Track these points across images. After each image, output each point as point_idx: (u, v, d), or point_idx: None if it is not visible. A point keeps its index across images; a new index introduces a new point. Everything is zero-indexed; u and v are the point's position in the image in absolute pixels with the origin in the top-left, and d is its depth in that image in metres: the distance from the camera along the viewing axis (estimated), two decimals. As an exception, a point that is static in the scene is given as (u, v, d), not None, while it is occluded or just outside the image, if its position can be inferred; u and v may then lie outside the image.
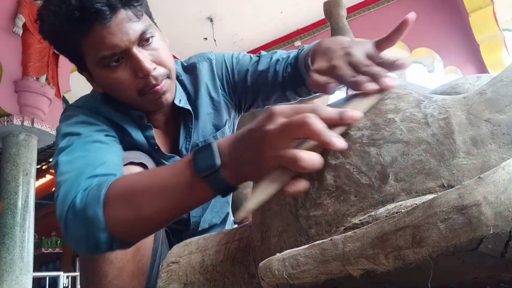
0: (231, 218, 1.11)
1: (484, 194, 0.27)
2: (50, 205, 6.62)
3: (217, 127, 0.92)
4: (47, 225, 6.89)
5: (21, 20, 3.69)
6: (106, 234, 0.55)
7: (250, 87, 0.91)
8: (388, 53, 0.55)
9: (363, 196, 0.40)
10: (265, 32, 5.50)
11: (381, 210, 0.38)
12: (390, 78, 0.47)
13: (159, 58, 0.75)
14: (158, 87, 0.75)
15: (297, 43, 5.57)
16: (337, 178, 0.41)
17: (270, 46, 5.68)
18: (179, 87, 0.87)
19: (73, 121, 0.77)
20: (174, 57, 0.92)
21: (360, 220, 0.39)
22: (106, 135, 0.76)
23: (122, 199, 0.56)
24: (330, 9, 3.03)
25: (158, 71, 0.75)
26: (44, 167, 6.50)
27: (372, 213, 0.38)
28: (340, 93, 0.61)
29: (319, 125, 0.40)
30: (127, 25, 0.71)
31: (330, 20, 3.04)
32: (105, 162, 0.66)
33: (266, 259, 0.38)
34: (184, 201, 0.53)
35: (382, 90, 0.47)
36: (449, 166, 0.38)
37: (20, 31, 3.72)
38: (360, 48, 0.55)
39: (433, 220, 0.29)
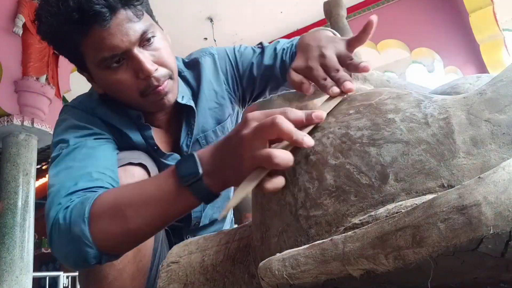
0: (231, 214, 1.11)
1: (484, 194, 0.27)
2: (50, 205, 6.60)
3: (219, 121, 0.91)
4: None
5: (21, 20, 3.69)
6: (93, 249, 0.56)
7: (258, 79, 0.91)
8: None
9: (363, 196, 0.40)
10: (265, 32, 5.49)
11: (381, 210, 0.38)
12: (350, 83, 0.54)
13: (161, 58, 0.74)
14: (160, 88, 0.74)
15: (297, 43, 5.56)
16: (337, 178, 0.41)
17: (270, 46, 5.67)
18: (181, 83, 0.87)
19: (63, 126, 0.77)
20: (174, 56, 0.92)
21: (360, 220, 0.39)
22: (96, 139, 0.75)
23: (107, 214, 0.56)
24: (330, 9, 3.03)
25: (160, 72, 0.74)
26: (44, 167, 6.50)
27: (372, 213, 0.38)
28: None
29: (287, 125, 0.44)
30: (127, 26, 0.70)
31: (330, 20, 3.04)
32: (89, 172, 0.66)
33: (266, 259, 0.38)
34: (169, 210, 0.55)
35: (343, 93, 0.53)
36: (449, 166, 0.38)
37: (20, 31, 3.71)
38: (333, 49, 0.62)
39: (433, 220, 0.29)
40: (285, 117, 0.46)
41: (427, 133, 0.40)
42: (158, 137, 0.86)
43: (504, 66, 2.61)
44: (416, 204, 0.32)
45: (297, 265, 0.35)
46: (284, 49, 0.88)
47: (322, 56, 0.61)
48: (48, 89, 3.81)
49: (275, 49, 0.90)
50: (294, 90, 0.95)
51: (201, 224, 0.96)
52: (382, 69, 5.61)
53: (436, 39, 4.68)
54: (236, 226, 0.98)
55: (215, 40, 5.21)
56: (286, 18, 5.28)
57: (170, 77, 0.77)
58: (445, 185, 0.38)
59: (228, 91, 0.92)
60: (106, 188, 0.64)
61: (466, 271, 0.29)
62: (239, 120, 0.99)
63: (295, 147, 0.46)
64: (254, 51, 0.93)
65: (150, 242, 0.75)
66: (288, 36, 5.82)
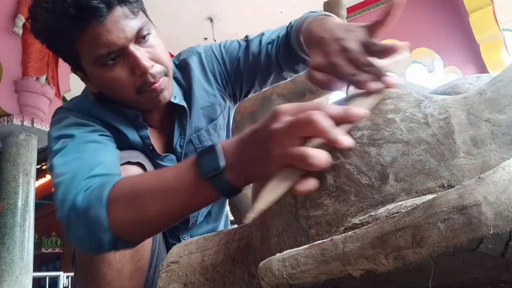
0: (226, 211, 1.10)
1: (484, 194, 0.27)
2: (50, 205, 6.62)
3: (211, 120, 0.91)
4: (47, 225, 6.89)
5: (21, 20, 3.69)
6: (109, 235, 0.55)
7: (245, 74, 0.90)
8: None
9: (363, 196, 0.40)
10: (265, 32, 5.50)
11: (381, 210, 0.38)
12: (392, 77, 0.48)
13: (157, 55, 0.74)
14: (156, 84, 0.74)
15: (297, 43, 5.56)
16: (337, 178, 0.41)
17: (270, 46, 5.67)
18: (174, 84, 0.86)
19: (65, 123, 0.76)
20: (172, 55, 0.92)
21: (360, 220, 0.39)
22: (101, 135, 0.75)
23: (126, 200, 0.55)
24: (330, 9, 3.03)
25: (156, 68, 0.73)
26: (44, 167, 6.50)
27: (372, 213, 0.38)
28: (340, 93, 0.61)
29: (325, 123, 0.40)
30: (124, 22, 0.69)
31: (330, 20, 3.03)
32: (102, 162, 0.66)
33: (266, 259, 0.38)
34: (188, 202, 0.53)
35: (384, 89, 0.47)
36: (449, 166, 0.38)
37: (20, 31, 3.71)
38: (354, 39, 0.54)
39: (433, 220, 0.29)
40: (322, 112, 0.41)
41: (427, 133, 0.40)
42: (152, 137, 0.85)
43: (504, 66, 2.61)
44: (416, 204, 0.32)
45: (297, 265, 0.35)
46: (269, 42, 0.88)
47: (344, 49, 0.53)
48: (48, 89, 3.81)
49: (260, 41, 0.89)
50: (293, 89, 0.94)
51: (197, 222, 0.96)
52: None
53: (436, 39, 4.68)
54: (235, 226, 0.98)
55: (215, 40, 5.21)
56: (286, 18, 5.26)
57: (166, 74, 0.76)
58: (445, 185, 0.38)
59: (218, 88, 0.92)
60: (120, 175, 0.64)
61: (466, 271, 0.29)
62: (231, 116, 0.99)
63: (331, 146, 0.41)
64: (240, 45, 0.92)
65: (148, 242, 0.75)
66: (288, 36, 5.82)
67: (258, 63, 0.88)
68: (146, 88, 0.74)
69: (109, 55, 0.70)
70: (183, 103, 0.85)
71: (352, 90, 0.62)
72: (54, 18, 0.67)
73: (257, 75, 0.90)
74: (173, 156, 0.87)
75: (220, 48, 0.93)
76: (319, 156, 0.40)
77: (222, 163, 0.48)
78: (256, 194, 0.52)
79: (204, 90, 0.90)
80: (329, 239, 0.34)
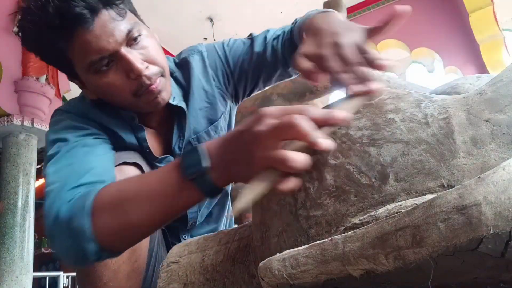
0: (228, 212, 1.09)
1: (484, 194, 0.27)
2: (50, 205, 6.59)
3: (211, 121, 0.89)
4: (47, 225, 6.86)
5: (21, 20, 3.68)
6: (94, 244, 0.55)
7: (250, 71, 0.89)
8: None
9: (363, 196, 0.40)
10: (265, 32, 5.50)
11: (381, 210, 0.38)
12: (377, 83, 0.47)
13: (150, 56, 0.73)
14: (153, 86, 0.72)
15: (297, 43, 5.56)
16: (337, 178, 0.41)
17: (270, 46, 5.67)
18: (173, 84, 0.85)
19: (60, 126, 0.76)
20: (171, 54, 0.91)
21: (360, 220, 0.39)
22: (95, 138, 0.74)
23: (110, 207, 0.55)
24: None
25: (151, 70, 0.72)
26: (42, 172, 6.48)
27: (372, 213, 0.38)
28: (340, 93, 0.61)
29: (306, 126, 0.41)
30: (112, 26, 0.68)
31: (330, 20, 3.03)
32: (91, 168, 0.65)
33: (266, 259, 0.38)
34: (173, 205, 0.53)
35: (368, 93, 0.46)
36: (449, 166, 0.38)
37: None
38: (351, 37, 0.53)
39: (433, 220, 0.29)
40: (304, 116, 0.42)
41: (427, 133, 0.40)
42: (151, 139, 0.84)
43: (504, 66, 2.61)
44: (416, 204, 0.32)
45: (297, 265, 0.35)
46: (274, 38, 0.86)
47: (338, 45, 0.52)
48: (48, 89, 3.81)
49: (265, 38, 0.88)
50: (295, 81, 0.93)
51: (197, 223, 0.96)
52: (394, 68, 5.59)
53: (436, 39, 4.68)
54: (235, 226, 0.98)
55: (215, 40, 5.21)
56: (286, 18, 5.27)
57: (162, 75, 0.75)
58: (445, 185, 0.38)
59: (219, 88, 0.90)
60: (108, 183, 0.63)
61: (466, 271, 0.29)
62: (233, 117, 0.98)
63: (312, 149, 0.42)
64: (244, 43, 0.91)
65: (145, 242, 0.75)
66: (288, 36, 5.82)
67: (264, 60, 0.86)
68: (143, 91, 0.72)
69: (102, 61, 0.69)
70: (182, 104, 0.84)
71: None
72: (40, 30, 0.66)
73: (262, 72, 0.89)
74: (171, 158, 0.85)
75: (223, 46, 0.92)
76: (298, 159, 0.41)
77: (206, 163, 0.49)
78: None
79: (204, 90, 0.88)
80: (329, 239, 0.34)
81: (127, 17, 0.71)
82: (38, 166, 3.74)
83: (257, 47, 0.87)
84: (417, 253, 0.29)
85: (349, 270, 0.33)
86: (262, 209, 0.49)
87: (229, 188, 1.06)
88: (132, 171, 0.74)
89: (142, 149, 0.83)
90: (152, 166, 0.83)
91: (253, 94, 0.97)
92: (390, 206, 0.38)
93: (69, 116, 0.78)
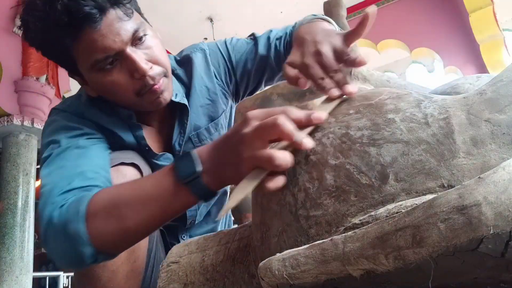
0: (228, 212, 1.09)
1: (484, 194, 0.27)
2: (50, 205, 6.59)
3: (212, 118, 0.90)
4: (47, 225, 6.86)
5: (21, 20, 3.68)
6: (90, 248, 0.55)
7: (253, 72, 0.89)
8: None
9: (363, 196, 0.40)
10: (265, 32, 5.50)
11: (381, 210, 0.38)
12: (352, 86, 0.53)
13: (154, 56, 0.73)
14: (156, 86, 0.73)
15: (297, 43, 5.55)
16: (337, 178, 0.41)
17: (270, 46, 5.67)
18: (175, 81, 0.85)
19: (54, 127, 0.75)
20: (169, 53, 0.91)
21: (360, 220, 0.39)
22: (88, 138, 0.74)
23: (105, 212, 0.56)
24: (330, 9, 3.03)
25: (155, 70, 0.72)
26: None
27: (372, 213, 0.38)
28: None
29: (288, 126, 0.45)
30: (118, 25, 0.68)
31: (330, 20, 3.03)
32: (83, 172, 0.65)
33: (266, 259, 0.38)
34: (167, 209, 0.55)
35: (343, 95, 0.52)
36: (449, 166, 0.38)
37: (20, 31, 3.71)
38: (330, 44, 0.60)
39: (433, 220, 0.28)
40: (286, 117, 0.46)
41: (427, 133, 0.40)
42: (150, 136, 0.84)
43: (504, 66, 2.61)
44: (416, 204, 0.32)
45: (297, 265, 0.35)
46: (277, 38, 0.87)
47: (318, 53, 0.59)
48: (48, 89, 3.81)
49: (268, 38, 0.89)
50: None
51: (196, 222, 0.96)
52: (382, 69, 5.61)
53: (436, 39, 4.68)
54: (235, 226, 0.98)
55: (215, 40, 5.22)
56: (286, 18, 5.27)
57: (165, 75, 0.75)
58: (445, 185, 0.38)
59: (221, 86, 0.90)
60: (101, 187, 0.64)
61: (466, 271, 0.29)
62: (233, 114, 0.99)
63: (295, 148, 0.46)
64: (247, 43, 0.91)
65: (144, 243, 0.75)
66: (288, 36, 5.82)
67: (268, 60, 0.87)
68: (146, 90, 0.73)
69: (107, 60, 0.69)
70: (185, 101, 0.84)
71: None
72: (46, 27, 0.66)
73: (265, 73, 0.89)
74: (169, 155, 0.85)
75: (226, 45, 0.92)
76: (283, 157, 0.44)
77: (199, 167, 0.51)
78: (255, 194, 0.52)
79: (206, 87, 0.88)
80: (329, 239, 0.34)
81: (133, 17, 0.71)
82: (38, 166, 3.74)
83: (261, 48, 0.88)
84: (417, 253, 0.29)
85: (349, 270, 0.33)
86: (262, 209, 0.49)
87: (228, 187, 1.06)
88: (130, 172, 0.73)
89: (140, 147, 0.82)
90: (151, 164, 0.83)
91: (253, 94, 0.97)
92: (390, 206, 0.38)
93: (65, 116, 0.78)
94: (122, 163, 0.73)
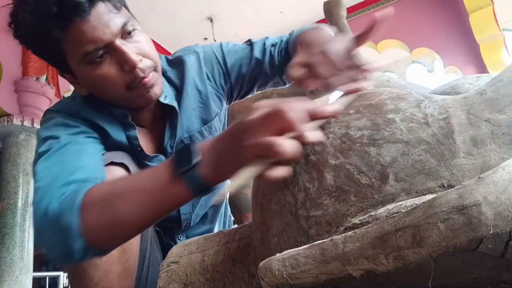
0: (222, 211, 1.09)
1: (484, 194, 0.27)
2: (50, 205, 6.58)
3: (205, 121, 0.90)
4: (47, 225, 6.86)
5: (21, 20, 3.68)
6: (80, 241, 0.54)
7: (247, 76, 0.90)
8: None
9: (363, 196, 0.40)
10: (265, 32, 5.48)
11: (381, 210, 0.38)
12: (363, 82, 0.51)
13: (144, 50, 0.73)
14: (146, 79, 0.73)
15: (297, 43, 5.56)
16: (337, 178, 0.41)
17: (270, 46, 5.67)
18: (165, 83, 0.85)
19: (52, 123, 0.76)
20: (170, 54, 0.91)
21: (360, 220, 0.39)
22: (87, 137, 0.74)
23: (99, 203, 0.55)
24: (330, 9, 3.03)
25: (145, 63, 0.72)
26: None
27: (372, 213, 0.38)
28: (340, 93, 0.61)
29: (293, 116, 0.42)
30: (108, 18, 0.68)
31: (330, 20, 3.03)
32: (83, 166, 0.65)
33: (266, 259, 0.38)
34: (161, 201, 0.53)
35: (356, 91, 0.50)
36: (449, 166, 0.38)
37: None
38: (337, 46, 0.58)
39: (433, 220, 0.29)
40: (293, 107, 0.43)
41: (427, 133, 0.40)
42: (142, 137, 0.84)
43: (504, 66, 2.61)
44: (416, 204, 0.32)
45: (297, 265, 0.35)
46: (273, 44, 0.88)
47: (326, 53, 0.58)
48: (48, 89, 3.81)
49: (264, 44, 0.89)
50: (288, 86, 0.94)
51: (192, 224, 0.95)
52: (382, 69, 5.61)
53: (436, 39, 4.68)
54: (235, 226, 0.98)
55: (215, 40, 5.21)
56: (286, 18, 5.28)
57: (155, 69, 0.75)
58: (445, 185, 0.38)
59: (214, 89, 0.90)
60: (101, 180, 0.64)
61: (466, 271, 0.29)
62: (227, 117, 0.99)
63: (299, 140, 0.43)
64: (242, 47, 0.92)
65: (135, 243, 0.74)
66: (288, 36, 5.83)
67: (262, 65, 0.88)
68: (137, 83, 0.73)
69: (96, 52, 0.69)
70: (174, 103, 0.84)
71: None
72: (37, 19, 0.66)
73: (259, 78, 0.90)
74: (162, 157, 0.85)
75: (221, 48, 0.92)
76: (287, 144, 0.41)
77: (196, 158, 0.49)
78: (255, 194, 0.52)
79: (197, 90, 0.88)
80: (329, 239, 0.34)
81: (122, 11, 0.72)
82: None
83: (256, 52, 0.89)
84: (417, 253, 0.29)
85: (349, 270, 0.33)
86: (262, 209, 0.49)
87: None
88: (119, 172, 0.73)
89: (132, 148, 0.82)
90: (142, 165, 0.83)
91: (253, 95, 0.97)
92: (390, 206, 0.38)
93: (61, 116, 0.78)
94: (112, 163, 0.73)
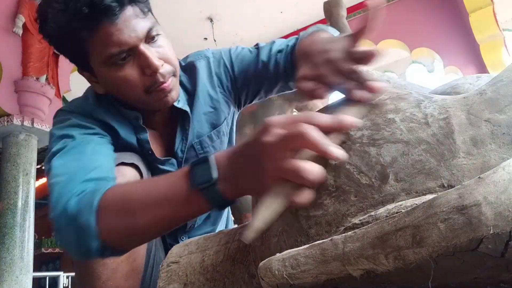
0: (227, 213, 1.10)
1: (484, 194, 0.27)
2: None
3: (214, 126, 0.91)
4: (47, 225, 6.83)
5: (21, 20, 3.69)
6: (97, 242, 0.55)
7: (253, 81, 0.90)
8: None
9: (363, 196, 0.40)
10: (265, 32, 5.49)
11: (381, 210, 0.38)
12: (378, 82, 0.47)
13: (166, 55, 0.75)
14: (165, 84, 0.74)
15: (297, 43, 5.56)
16: (337, 178, 0.41)
17: (270, 46, 5.66)
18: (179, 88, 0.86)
19: (66, 124, 0.77)
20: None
21: (360, 220, 0.39)
22: (100, 137, 0.75)
23: (116, 207, 0.56)
24: (330, 9, 3.03)
25: (165, 68, 0.74)
26: (44, 167, 6.49)
27: (372, 213, 0.39)
28: (339, 93, 0.61)
29: (315, 135, 0.40)
30: (134, 22, 0.70)
31: (330, 20, 3.03)
32: (99, 166, 0.66)
33: (266, 259, 0.38)
34: (179, 212, 0.53)
35: (373, 96, 0.47)
36: (449, 166, 0.38)
37: (20, 31, 3.71)
38: (338, 49, 0.54)
39: (433, 220, 0.29)
40: (312, 124, 0.41)
41: (427, 133, 0.40)
42: (153, 140, 0.85)
43: (504, 66, 2.61)
44: (416, 204, 0.32)
45: (297, 265, 0.35)
46: (279, 51, 0.88)
47: (329, 60, 0.54)
48: (48, 89, 3.81)
49: (270, 49, 0.89)
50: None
51: (195, 225, 0.96)
52: (382, 69, 5.62)
53: (436, 39, 4.68)
54: (235, 226, 0.98)
55: (215, 40, 5.21)
56: (286, 18, 5.28)
57: (174, 75, 0.77)
58: (445, 185, 0.38)
59: (223, 94, 0.91)
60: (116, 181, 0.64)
61: (466, 271, 0.29)
62: (234, 121, 0.99)
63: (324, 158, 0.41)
64: (250, 52, 0.92)
65: None
66: (288, 36, 5.83)
67: (267, 71, 0.88)
68: (156, 87, 0.74)
69: (120, 55, 0.70)
70: (186, 108, 0.85)
71: None
72: (66, 18, 0.67)
73: (264, 83, 0.90)
74: (174, 161, 0.86)
75: (229, 53, 0.93)
76: (313, 170, 0.40)
77: (215, 174, 0.48)
78: (254, 204, 0.52)
79: (209, 95, 0.90)
80: (329, 239, 0.34)
81: (148, 16, 0.73)
82: (38, 166, 3.74)
83: (262, 57, 0.89)
84: (417, 253, 0.29)
85: (349, 270, 0.33)
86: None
87: None
88: (129, 172, 0.74)
89: (143, 151, 0.83)
90: (153, 169, 0.83)
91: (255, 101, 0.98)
92: (390, 206, 0.38)
93: (74, 116, 0.79)
94: (123, 163, 0.74)
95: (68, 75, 4.18)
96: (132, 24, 0.69)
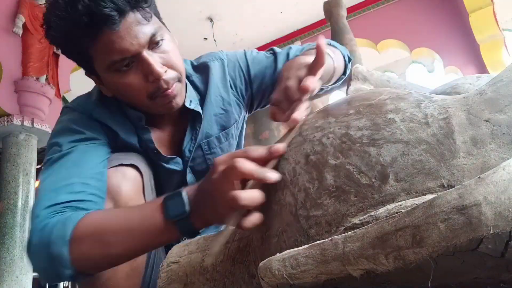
0: None
1: (484, 194, 0.27)
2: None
3: (224, 128, 0.91)
4: (47, 225, 6.86)
5: (21, 20, 3.68)
6: (70, 270, 0.58)
7: (270, 87, 0.90)
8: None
9: (363, 196, 0.40)
10: (265, 32, 5.49)
11: (381, 210, 0.38)
12: (297, 113, 0.55)
13: (170, 61, 0.74)
14: (169, 91, 0.74)
15: (297, 43, 5.57)
16: (337, 178, 0.41)
17: (270, 46, 5.63)
18: (190, 88, 0.86)
19: (60, 127, 0.78)
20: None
21: (360, 220, 0.39)
22: (89, 144, 0.76)
23: (90, 238, 0.58)
24: (330, 9, 3.03)
25: (169, 74, 0.73)
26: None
27: (372, 213, 0.38)
28: (340, 93, 0.62)
29: (247, 166, 0.47)
30: (137, 29, 0.69)
31: (330, 20, 3.03)
32: (72, 183, 0.67)
33: (266, 259, 0.38)
34: (152, 242, 0.58)
35: (296, 121, 0.54)
36: (449, 166, 0.38)
37: (20, 31, 3.71)
38: (295, 78, 0.60)
39: (433, 220, 0.29)
40: (247, 157, 0.49)
41: (427, 133, 0.40)
42: (159, 139, 0.85)
43: (504, 66, 2.61)
44: (416, 204, 0.32)
45: (297, 265, 0.35)
46: (296, 56, 0.87)
47: (286, 87, 0.60)
48: (48, 89, 3.81)
49: (287, 55, 0.89)
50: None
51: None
52: (382, 69, 5.62)
53: (436, 39, 4.68)
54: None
55: (215, 40, 5.21)
56: (286, 18, 5.28)
57: (179, 80, 0.76)
58: (445, 185, 0.38)
59: (236, 97, 0.91)
60: (88, 201, 0.66)
61: (466, 271, 0.29)
62: (245, 125, 1.00)
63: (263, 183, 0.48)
64: (266, 57, 0.92)
65: None
66: (288, 36, 5.82)
67: None
68: (159, 94, 0.74)
69: (123, 62, 0.70)
70: (198, 109, 0.85)
71: (352, 89, 0.64)
72: (67, 26, 0.67)
73: None
74: (179, 160, 0.86)
75: (245, 56, 0.93)
76: (249, 196, 0.47)
77: (188, 208, 0.54)
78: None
79: (221, 97, 0.89)
80: (329, 239, 0.34)
81: (152, 21, 0.72)
82: (38, 166, 3.73)
83: (280, 64, 0.89)
84: (417, 253, 0.29)
85: (349, 270, 0.33)
86: (262, 209, 0.49)
87: None
88: (129, 172, 0.75)
89: (147, 150, 0.83)
90: (158, 167, 0.83)
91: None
92: (390, 206, 0.38)
93: (74, 114, 0.80)
94: (121, 165, 0.74)
95: (68, 75, 4.18)
96: (134, 31, 0.69)
